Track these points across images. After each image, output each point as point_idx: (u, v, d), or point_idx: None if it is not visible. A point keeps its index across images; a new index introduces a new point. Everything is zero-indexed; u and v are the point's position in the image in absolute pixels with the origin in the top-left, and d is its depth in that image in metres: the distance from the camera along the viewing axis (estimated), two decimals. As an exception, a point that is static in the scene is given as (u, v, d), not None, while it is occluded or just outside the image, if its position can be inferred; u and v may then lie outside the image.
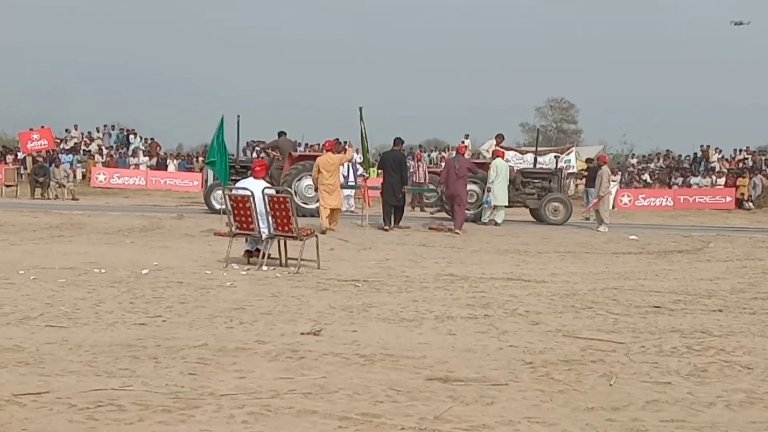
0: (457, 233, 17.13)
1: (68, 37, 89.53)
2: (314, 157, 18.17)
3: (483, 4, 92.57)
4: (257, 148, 29.97)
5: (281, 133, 21.79)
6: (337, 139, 21.57)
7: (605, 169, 19.34)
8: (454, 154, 19.85)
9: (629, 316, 7.68)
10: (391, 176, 17.13)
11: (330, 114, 72.12)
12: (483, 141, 36.82)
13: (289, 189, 11.42)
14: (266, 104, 76.71)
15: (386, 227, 16.81)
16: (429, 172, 26.24)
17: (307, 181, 19.24)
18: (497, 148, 21.41)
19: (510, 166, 21.73)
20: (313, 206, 18.86)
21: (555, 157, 23.04)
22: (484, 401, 4.80)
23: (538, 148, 24.28)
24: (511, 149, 23.86)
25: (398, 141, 18.18)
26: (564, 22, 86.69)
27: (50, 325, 6.53)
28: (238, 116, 21.64)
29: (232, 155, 22.06)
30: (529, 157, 23.76)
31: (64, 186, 26.74)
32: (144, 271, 9.54)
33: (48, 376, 5.05)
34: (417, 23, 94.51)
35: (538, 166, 22.36)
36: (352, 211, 21.36)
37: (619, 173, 35.40)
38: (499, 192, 19.14)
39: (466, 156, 21.14)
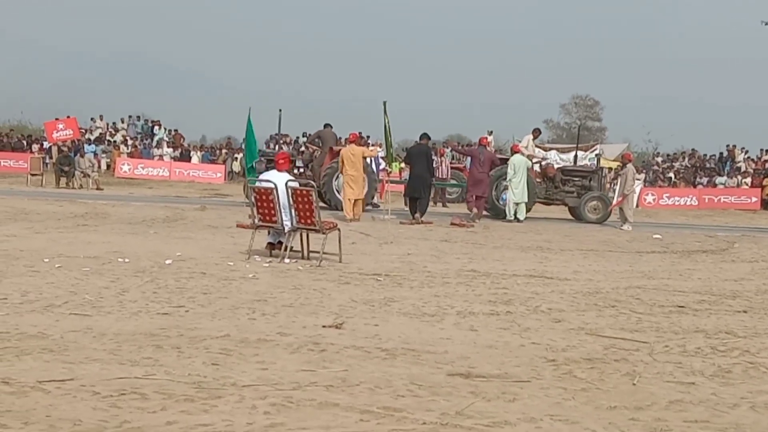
0: (474, 222, 17.72)
1: (92, 29, 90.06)
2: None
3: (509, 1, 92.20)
4: (278, 142, 29.97)
5: (326, 125, 21.63)
6: (360, 133, 21.52)
7: (630, 167, 19.26)
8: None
9: (653, 316, 7.62)
10: (415, 169, 17.38)
11: (351, 108, 72.11)
12: (507, 138, 36.80)
13: (313, 183, 11.40)
14: (289, 98, 76.80)
15: (413, 220, 17.01)
16: (451, 168, 26.24)
17: None
18: (515, 143, 21.38)
19: (549, 163, 21.71)
20: None
21: (596, 155, 22.90)
22: (506, 398, 4.78)
23: (561, 146, 24.17)
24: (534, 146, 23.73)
25: (425, 136, 18.18)
26: (589, 20, 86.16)
27: (74, 313, 6.58)
28: (280, 110, 21.63)
29: (272, 150, 22.23)
30: (553, 154, 23.65)
31: (88, 176, 26.93)
32: (167, 262, 9.59)
33: (72, 363, 5.09)
34: (441, 21, 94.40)
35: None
36: (375, 205, 21.35)
37: (644, 172, 35.19)
38: (518, 188, 19.03)
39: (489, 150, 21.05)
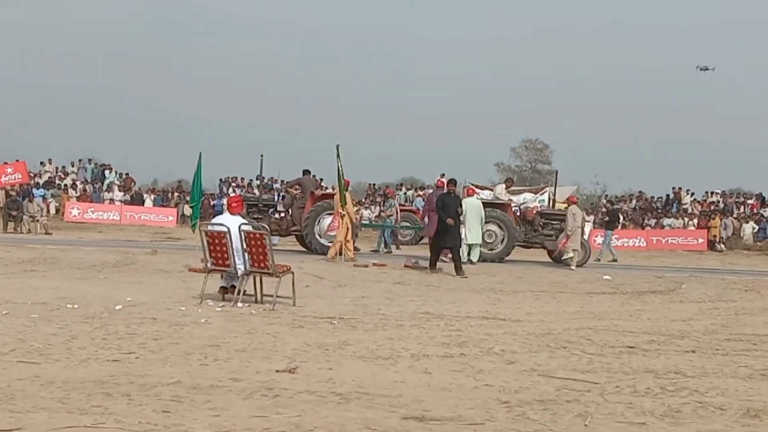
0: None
1: (41, 67, 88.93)
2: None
3: (461, 45, 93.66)
4: (230, 184, 29.90)
5: (305, 171, 21.96)
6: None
7: (572, 208, 19.64)
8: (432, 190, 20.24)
9: (604, 356, 7.71)
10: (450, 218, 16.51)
11: (307, 148, 72.04)
12: (459, 180, 37.25)
13: (266, 226, 11.44)
14: (242, 139, 76.62)
15: (433, 270, 16.44)
16: (402, 210, 26.35)
17: (330, 220, 19.58)
18: (470, 186, 21.63)
19: (527, 206, 21.93)
20: None
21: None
22: (460, 441, 4.79)
23: (513, 188, 24.42)
24: (486, 188, 24.00)
25: (453, 182, 17.68)
26: (538, 65, 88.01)
27: (22, 361, 6.45)
28: (261, 156, 21.62)
29: (254, 194, 22.16)
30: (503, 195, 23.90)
31: (37, 220, 26.52)
32: (117, 307, 9.46)
33: (19, 412, 4.98)
34: (392, 63, 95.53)
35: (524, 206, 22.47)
36: (357, 249, 21.40)
37: (593, 214, 35.77)
38: (472, 231, 19.17)
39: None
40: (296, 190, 21.23)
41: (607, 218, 25.45)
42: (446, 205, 16.50)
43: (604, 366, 7.25)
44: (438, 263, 18.49)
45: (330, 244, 19.32)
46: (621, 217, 32.63)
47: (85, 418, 4.90)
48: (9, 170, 29.94)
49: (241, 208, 11.17)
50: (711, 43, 79.22)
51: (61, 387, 5.66)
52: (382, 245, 23.55)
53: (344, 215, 18.46)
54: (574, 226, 19.15)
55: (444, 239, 16.63)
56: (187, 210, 34.42)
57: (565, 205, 21.34)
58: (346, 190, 18.76)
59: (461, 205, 17.27)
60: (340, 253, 18.10)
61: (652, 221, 36.34)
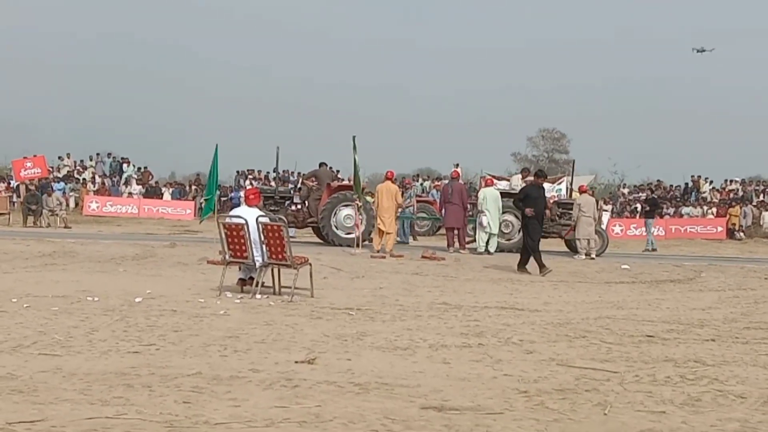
0: (462, 252, 18.46)
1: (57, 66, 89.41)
2: (352, 188, 19.56)
3: (480, 32, 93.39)
4: (246, 177, 29.97)
5: (321, 164, 22.24)
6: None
7: (578, 198, 19.65)
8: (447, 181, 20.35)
9: (623, 345, 7.69)
10: (536, 210, 14.95)
11: (321, 142, 72.04)
12: (474, 170, 37.27)
13: (282, 218, 11.47)
14: (259, 132, 76.70)
15: (521, 270, 14.91)
16: (419, 201, 26.35)
17: (346, 212, 19.76)
18: (488, 176, 21.63)
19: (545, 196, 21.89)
20: (352, 236, 19.38)
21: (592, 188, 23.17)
22: (479, 430, 4.80)
23: (531, 178, 24.32)
24: (503, 179, 23.93)
25: (540, 174, 16.00)
26: (552, 56, 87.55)
27: (43, 354, 6.51)
28: (278, 147, 21.72)
29: (270, 186, 22.29)
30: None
31: (56, 214, 26.70)
32: (137, 300, 9.52)
33: (42, 404, 5.03)
34: (409, 49, 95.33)
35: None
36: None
37: (611, 203, 35.61)
38: (491, 220, 19.19)
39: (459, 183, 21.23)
40: (312, 182, 21.29)
41: (647, 207, 25.34)
42: (530, 198, 15.00)
43: (623, 355, 7.23)
44: (455, 253, 18.57)
45: (348, 237, 19.49)
46: (662, 206, 32.41)
47: (106, 409, 4.94)
48: (28, 164, 30.11)
49: (258, 201, 11.20)
50: (723, 25, 78.66)
51: (83, 379, 5.71)
52: (410, 236, 23.79)
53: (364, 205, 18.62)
54: (580, 215, 19.13)
55: (530, 234, 14.97)
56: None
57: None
58: (392, 182, 18.95)
59: (545, 197, 15.76)
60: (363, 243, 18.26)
61: (671, 210, 36.11)
